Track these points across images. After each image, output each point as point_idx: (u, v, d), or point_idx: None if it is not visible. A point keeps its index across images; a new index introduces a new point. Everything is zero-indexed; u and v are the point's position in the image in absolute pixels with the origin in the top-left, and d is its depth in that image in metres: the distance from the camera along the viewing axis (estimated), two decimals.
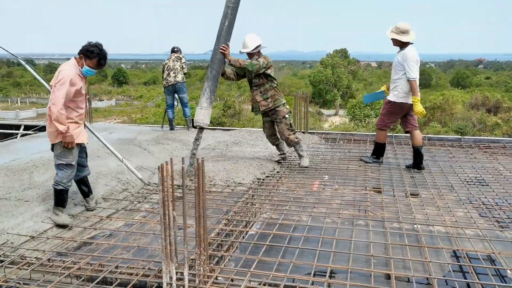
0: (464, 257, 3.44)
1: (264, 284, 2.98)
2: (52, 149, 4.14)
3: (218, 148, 7.00)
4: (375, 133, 6.50)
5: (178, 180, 4.86)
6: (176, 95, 8.73)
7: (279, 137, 6.22)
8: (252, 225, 4.18)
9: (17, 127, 9.14)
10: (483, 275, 3.21)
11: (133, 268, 3.24)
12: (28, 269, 3.21)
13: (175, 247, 3.09)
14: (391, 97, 5.86)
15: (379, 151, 6.29)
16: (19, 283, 3.03)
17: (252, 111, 6.09)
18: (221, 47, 5.36)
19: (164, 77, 8.57)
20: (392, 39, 5.71)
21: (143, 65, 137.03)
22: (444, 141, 7.74)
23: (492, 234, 3.90)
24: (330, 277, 3.24)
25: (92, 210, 4.49)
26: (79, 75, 4.04)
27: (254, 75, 5.72)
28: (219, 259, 3.44)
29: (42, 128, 9.06)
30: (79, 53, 4.06)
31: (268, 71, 5.72)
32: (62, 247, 3.66)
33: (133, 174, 5.31)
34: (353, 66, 61.23)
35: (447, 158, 6.69)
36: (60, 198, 4.08)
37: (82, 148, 4.32)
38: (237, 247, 3.71)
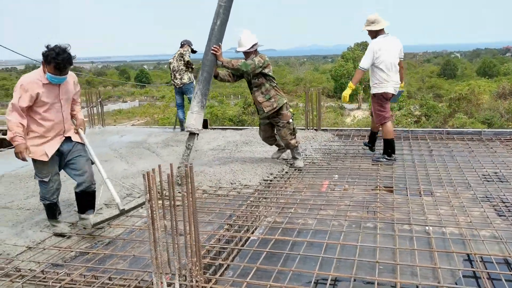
0: (478, 262, 3.21)
1: None
2: None
3: (227, 149, 6.87)
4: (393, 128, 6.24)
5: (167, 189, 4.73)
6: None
7: (275, 138, 6.03)
8: (255, 230, 4.02)
9: None
10: (497, 280, 2.98)
11: (126, 279, 3.13)
12: (20, 282, 3.14)
13: (168, 257, 2.97)
14: (372, 90, 5.93)
15: (390, 148, 6.01)
16: None
17: (258, 114, 5.87)
18: (212, 47, 5.17)
19: (171, 78, 8.40)
20: (368, 32, 5.88)
21: (165, 66, 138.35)
22: (463, 134, 7.40)
23: (510, 235, 3.64)
24: (333, 286, 3.06)
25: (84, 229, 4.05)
26: (39, 80, 3.62)
27: (252, 75, 5.50)
28: (217, 268, 3.29)
29: None
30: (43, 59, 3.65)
31: (266, 70, 5.47)
32: (59, 257, 3.58)
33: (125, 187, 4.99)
34: None
35: (466, 153, 6.37)
36: (51, 212, 3.94)
37: (67, 161, 3.92)
38: (236, 254, 3.56)
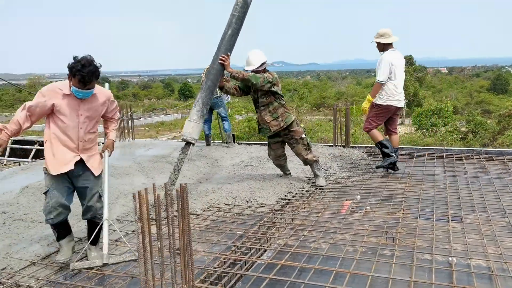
0: None
1: None
2: None
3: (250, 165, 6.71)
4: (437, 146, 6.24)
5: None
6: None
7: (286, 157, 5.81)
8: (263, 253, 3.82)
9: None
10: None
11: None
12: None
13: (162, 281, 2.82)
14: (377, 100, 6.02)
15: (385, 149, 6.12)
16: None
17: (259, 133, 5.69)
18: (220, 57, 5.02)
19: None
20: (377, 44, 6.00)
21: None
22: (504, 155, 6.88)
23: None
24: None
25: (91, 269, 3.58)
26: (61, 90, 3.43)
27: (260, 94, 5.31)
28: None
29: None
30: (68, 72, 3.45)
31: (275, 88, 5.29)
32: (61, 274, 3.51)
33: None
34: (419, 73, 58.62)
35: (505, 175, 5.90)
36: (54, 232, 3.64)
37: (75, 186, 3.63)
38: (239, 279, 3.37)
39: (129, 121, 9.03)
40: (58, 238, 3.63)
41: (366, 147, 7.80)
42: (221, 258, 3.65)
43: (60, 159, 3.48)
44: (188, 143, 5.08)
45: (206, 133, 8.44)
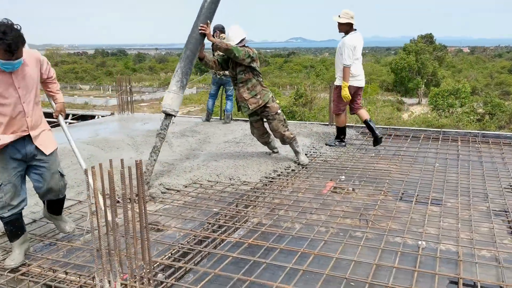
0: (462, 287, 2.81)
1: None
2: None
3: (242, 142, 6.67)
4: (432, 128, 6.29)
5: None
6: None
7: (269, 134, 5.74)
8: (235, 231, 3.81)
9: (67, 115, 9.53)
10: None
11: (81, 275, 3.04)
12: None
13: (119, 256, 2.83)
14: (337, 82, 6.28)
15: (343, 134, 6.54)
16: None
17: (238, 111, 5.61)
18: (200, 25, 4.86)
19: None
20: (344, 24, 6.07)
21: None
22: (501, 138, 6.70)
23: None
24: None
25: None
26: None
27: (239, 70, 5.21)
28: (176, 270, 3.12)
29: (80, 118, 9.38)
30: None
31: (254, 64, 5.19)
32: (31, 245, 3.56)
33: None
34: (439, 52, 57.23)
35: (497, 159, 5.75)
36: (7, 230, 3.24)
37: (30, 165, 3.26)
38: (204, 257, 3.37)
39: (128, 95, 9.02)
40: (12, 238, 3.22)
41: (362, 127, 7.68)
42: (192, 235, 3.66)
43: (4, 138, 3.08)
44: (168, 115, 4.90)
45: (209, 108, 8.35)
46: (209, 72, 8.19)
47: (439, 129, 7.38)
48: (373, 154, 6.08)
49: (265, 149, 6.04)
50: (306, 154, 6.04)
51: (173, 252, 3.39)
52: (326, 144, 6.52)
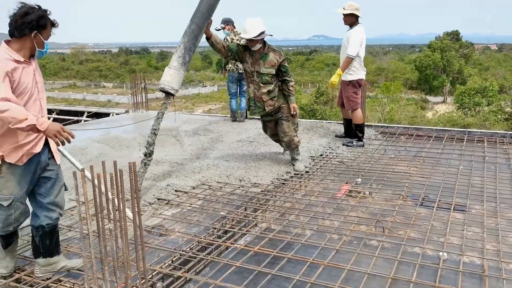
0: None
1: None
2: None
3: (256, 141, 6.43)
4: (456, 128, 6.18)
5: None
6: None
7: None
8: (241, 237, 3.59)
9: (82, 113, 9.51)
10: None
11: (75, 284, 2.87)
12: None
13: (115, 264, 2.65)
14: (347, 77, 6.07)
15: (361, 132, 6.28)
16: None
17: (248, 110, 5.28)
18: None
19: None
20: (349, 15, 5.94)
21: None
22: None
23: None
24: None
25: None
26: (10, 56, 2.60)
27: (266, 71, 4.86)
28: (174, 280, 2.92)
29: (95, 115, 9.29)
30: (29, 30, 2.62)
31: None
32: (27, 247, 3.41)
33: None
34: (465, 49, 55.76)
35: None
36: (2, 242, 2.89)
37: (42, 176, 2.85)
38: (206, 265, 3.16)
39: (143, 92, 8.90)
40: (5, 246, 2.91)
41: (382, 126, 7.35)
42: (195, 241, 3.46)
43: (27, 142, 2.70)
44: (167, 94, 4.34)
45: (233, 108, 7.93)
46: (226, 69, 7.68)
47: (464, 129, 7.00)
48: (393, 155, 5.76)
49: (279, 148, 5.79)
50: (321, 155, 5.79)
51: (174, 259, 3.20)
52: (344, 145, 6.24)
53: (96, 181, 2.41)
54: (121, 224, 2.54)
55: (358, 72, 6.07)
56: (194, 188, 4.68)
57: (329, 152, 5.92)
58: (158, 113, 4.42)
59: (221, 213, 4.02)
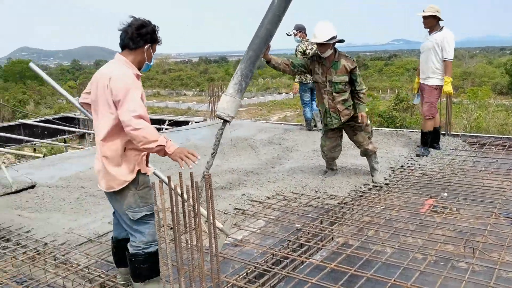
0: None
1: None
2: (113, 202, 2.73)
3: None
4: None
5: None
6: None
7: (341, 148, 5.14)
8: (316, 251, 3.47)
9: (163, 121, 9.89)
10: None
11: None
12: (62, 275, 3.19)
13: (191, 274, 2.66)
14: (436, 82, 5.81)
15: (435, 137, 6.10)
16: None
17: (325, 126, 4.96)
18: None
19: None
20: (430, 17, 5.70)
21: None
22: None
23: None
24: None
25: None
26: (133, 72, 2.63)
27: (339, 80, 4.68)
28: None
29: (175, 123, 9.59)
30: (144, 42, 2.63)
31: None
32: (110, 252, 3.54)
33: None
34: None
35: None
36: (155, 265, 2.69)
37: None
38: (280, 280, 3.08)
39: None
40: (157, 273, 2.74)
41: (470, 135, 6.83)
42: (270, 253, 3.40)
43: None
44: (224, 121, 4.35)
45: (308, 117, 7.77)
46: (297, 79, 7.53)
47: None
48: (483, 168, 5.31)
49: (356, 158, 5.57)
50: (402, 166, 5.49)
51: (248, 271, 3.16)
52: (417, 155, 5.89)
53: (173, 191, 2.44)
54: (197, 235, 2.54)
55: (442, 77, 5.82)
56: (269, 198, 4.63)
57: (411, 163, 5.59)
58: (215, 139, 4.41)
59: (296, 225, 3.93)
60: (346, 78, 4.69)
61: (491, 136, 6.81)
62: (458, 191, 4.53)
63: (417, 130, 7.65)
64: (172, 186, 2.54)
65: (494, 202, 4.18)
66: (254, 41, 4.34)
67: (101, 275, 3.17)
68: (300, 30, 7.42)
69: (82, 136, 12.23)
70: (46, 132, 11.35)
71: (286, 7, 4.37)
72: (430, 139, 6.02)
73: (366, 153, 4.99)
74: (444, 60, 5.67)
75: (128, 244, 2.73)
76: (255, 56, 4.35)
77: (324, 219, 4.03)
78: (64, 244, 3.72)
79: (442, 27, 5.75)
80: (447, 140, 6.51)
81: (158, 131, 3.67)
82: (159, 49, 2.90)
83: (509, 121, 31.86)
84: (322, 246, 3.54)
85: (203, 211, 2.95)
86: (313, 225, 3.90)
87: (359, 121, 4.81)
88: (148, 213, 2.67)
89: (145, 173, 2.71)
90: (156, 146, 2.48)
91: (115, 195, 2.66)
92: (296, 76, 7.36)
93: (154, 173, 3.26)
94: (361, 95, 4.77)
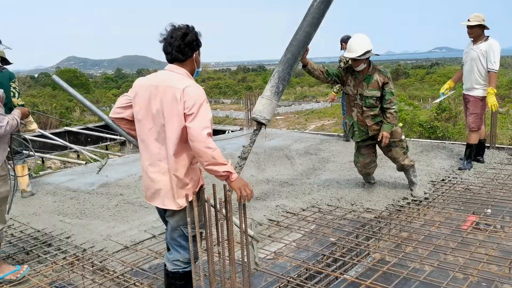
0: None
1: None
2: (169, 218, 2.63)
3: None
4: None
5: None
6: None
7: (376, 164, 4.98)
8: (351, 267, 3.39)
9: None
10: None
11: None
12: (98, 282, 3.26)
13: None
14: (481, 92, 5.62)
15: (479, 149, 5.91)
16: None
17: (352, 138, 4.85)
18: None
19: None
20: (476, 26, 5.50)
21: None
22: None
23: None
24: None
25: None
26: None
27: (370, 94, 4.53)
28: None
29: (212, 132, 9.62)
30: (191, 51, 2.53)
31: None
32: (147, 260, 3.61)
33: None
34: None
35: None
36: (190, 281, 2.62)
37: None
38: None
39: None
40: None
41: None
42: (303, 267, 3.35)
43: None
44: (259, 124, 4.25)
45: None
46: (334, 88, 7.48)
47: None
48: None
49: (395, 171, 5.43)
50: (443, 180, 5.30)
51: (281, 285, 3.12)
52: (459, 169, 5.68)
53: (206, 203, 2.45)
54: (230, 247, 2.54)
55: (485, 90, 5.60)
56: (303, 210, 4.58)
57: (452, 177, 5.40)
58: (249, 141, 4.33)
59: (331, 239, 3.86)
60: (377, 93, 4.53)
61: None
62: (502, 208, 4.33)
63: (459, 142, 7.39)
64: (206, 197, 2.56)
65: None
66: (293, 43, 4.28)
67: (136, 283, 3.21)
68: (345, 41, 7.36)
69: (123, 143, 12.55)
70: (89, 139, 11.73)
71: (325, 10, 4.31)
72: (474, 152, 5.80)
73: (402, 168, 4.84)
74: (489, 71, 5.47)
75: (168, 259, 2.68)
76: (293, 59, 4.27)
77: (360, 234, 3.94)
78: (102, 250, 3.81)
79: (488, 36, 5.54)
80: (491, 153, 6.26)
81: None
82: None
83: None
84: (358, 261, 3.45)
85: (235, 220, 2.93)
86: (349, 239, 3.82)
87: (378, 139, 4.62)
88: (201, 230, 2.58)
89: (203, 189, 2.67)
90: (223, 171, 2.40)
91: (173, 211, 2.56)
92: (336, 86, 7.28)
93: None
94: (388, 115, 4.54)
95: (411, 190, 4.87)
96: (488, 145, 6.48)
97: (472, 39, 5.64)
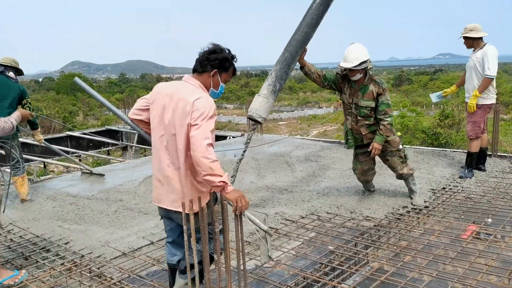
0: None
1: None
2: (178, 223, 2.78)
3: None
4: None
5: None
6: None
7: (375, 171, 4.95)
8: (349, 276, 3.37)
9: None
10: None
11: None
12: None
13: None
14: (479, 101, 5.58)
15: (480, 158, 5.86)
16: None
17: (346, 144, 4.87)
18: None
19: None
20: (465, 39, 5.62)
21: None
22: None
23: None
24: None
25: None
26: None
27: (365, 104, 4.49)
28: None
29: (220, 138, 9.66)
30: (211, 67, 2.65)
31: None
32: (143, 267, 3.60)
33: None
34: None
35: None
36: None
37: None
38: None
39: None
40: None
41: None
42: (300, 276, 3.33)
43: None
44: (254, 122, 4.16)
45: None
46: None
47: None
48: None
49: (395, 179, 5.41)
50: (444, 188, 5.28)
51: None
52: (460, 177, 5.66)
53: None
54: (226, 255, 2.53)
55: (491, 96, 5.61)
56: (303, 217, 4.57)
57: (453, 186, 5.37)
58: (246, 139, 4.23)
59: (330, 247, 3.84)
60: (372, 104, 4.48)
61: None
62: (504, 217, 4.31)
63: (460, 150, 7.37)
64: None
65: None
66: (291, 43, 4.25)
67: None
68: None
69: (125, 148, 12.58)
70: (91, 144, 11.75)
71: (324, 12, 4.30)
72: (475, 161, 5.78)
73: (401, 177, 4.82)
74: (485, 76, 5.44)
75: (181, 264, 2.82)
76: (291, 58, 4.23)
77: (358, 242, 3.92)
78: (100, 257, 3.80)
79: (485, 43, 5.53)
80: (493, 162, 6.23)
81: None
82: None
83: None
84: (356, 270, 3.43)
85: (250, 216, 2.88)
86: (347, 247, 3.80)
87: (368, 149, 4.59)
88: (220, 227, 2.58)
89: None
90: (219, 181, 2.42)
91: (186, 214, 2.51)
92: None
93: None
94: (381, 127, 4.47)
95: (411, 198, 4.85)
96: (490, 153, 6.45)
97: (469, 48, 5.68)
